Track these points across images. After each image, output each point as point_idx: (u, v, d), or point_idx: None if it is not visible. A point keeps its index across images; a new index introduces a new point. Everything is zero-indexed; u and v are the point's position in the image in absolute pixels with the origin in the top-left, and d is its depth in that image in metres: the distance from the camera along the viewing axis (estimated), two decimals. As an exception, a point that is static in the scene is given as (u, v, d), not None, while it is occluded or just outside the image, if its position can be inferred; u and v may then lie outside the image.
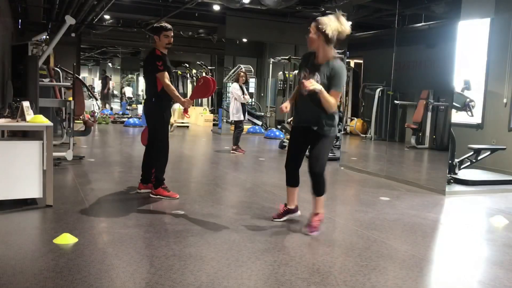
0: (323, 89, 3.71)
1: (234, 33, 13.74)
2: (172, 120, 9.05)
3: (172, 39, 4.94)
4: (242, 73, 9.56)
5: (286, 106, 4.06)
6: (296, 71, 14.39)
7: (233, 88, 9.34)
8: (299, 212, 4.38)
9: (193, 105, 19.67)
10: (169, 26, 4.93)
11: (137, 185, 5.29)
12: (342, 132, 8.73)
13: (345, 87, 9.28)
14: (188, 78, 22.93)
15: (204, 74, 16.64)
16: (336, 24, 3.75)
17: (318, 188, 3.97)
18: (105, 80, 22.58)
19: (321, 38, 3.74)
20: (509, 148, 7.09)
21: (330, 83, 3.77)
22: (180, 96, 4.95)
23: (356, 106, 8.94)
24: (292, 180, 4.19)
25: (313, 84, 3.67)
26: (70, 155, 6.77)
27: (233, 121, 9.67)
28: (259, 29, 13.71)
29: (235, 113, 9.22)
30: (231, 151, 9.14)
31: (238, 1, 9.82)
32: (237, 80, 9.41)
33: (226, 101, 15.25)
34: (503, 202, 5.65)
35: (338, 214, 4.80)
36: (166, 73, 4.81)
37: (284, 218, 4.29)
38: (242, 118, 9.28)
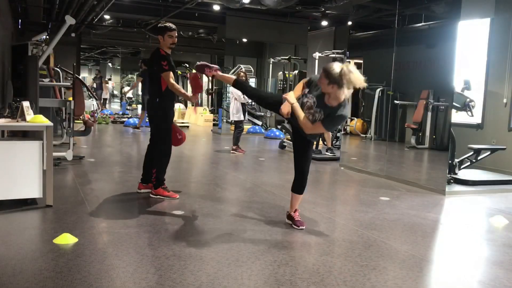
0: (296, 106, 3.82)
1: (234, 33, 13.74)
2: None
3: (176, 39, 4.94)
4: (242, 73, 9.57)
5: (291, 98, 3.98)
6: (296, 71, 14.43)
7: (233, 88, 9.34)
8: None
9: (193, 105, 19.62)
10: (173, 26, 4.93)
11: (137, 185, 5.29)
12: (342, 132, 8.73)
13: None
14: (188, 78, 22.93)
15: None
16: (350, 75, 3.62)
17: (297, 186, 4.19)
18: (100, 81, 21.57)
19: (335, 88, 3.69)
20: (509, 148, 7.09)
21: (325, 118, 3.79)
22: (186, 93, 4.99)
23: (356, 106, 8.93)
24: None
25: (286, 110, 3.82)
26: (70, 155, 6.77)
27: (233, 121, 9.67)
28: (259, 29, 13.71)
29: (235, 113, 9.23)
30: (231, 151, 9.14)
31: (238, 1, 9.82)
32: None
33: (226, 101, 15.25)
34: (503, 202, 5.65)
35: (338, 214, 4.80)
36: (171, 73, 4.81)
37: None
38: (242, 118, 9.29)
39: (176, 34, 4.94)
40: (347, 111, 3.87)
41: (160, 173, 5.03)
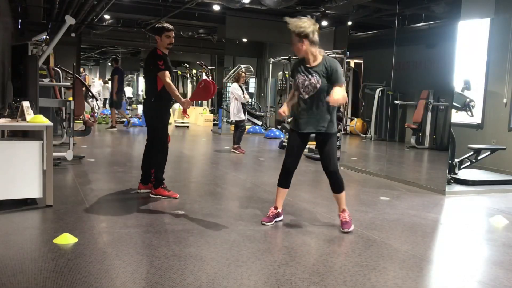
0: (339, 91, 3.84)
1: (234, 33, 13.73)
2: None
3: (173, 39, 4.95)
4: (243, 74, 9.57)
5: (284, 110, 4.07)
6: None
7: (233, 88, 9.35)
8: (282, 216, 4.32)
9: (193, 105, 19.63)
10: (170, 26, 4.94)
11: (137, 185, 5.29)
12: (342, 132, 8.72)
13: (345, 86, 9.26)
14: (188, 78, 22.92)
15: (204, 75, 16.64)
16: (311, 24, 3.91)
17: (338, 185, 4.17)
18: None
19: (306, 43, 3.90)
20: (509, 148, 7.09)
21: (332, 79, 3.93)
22: (180, 96, 4.95)
23: (356, 106, 8.94)
24: (288, 182, 4.22)
25: (338, 98, 3.77)
26: (70, 155, 6.77)
27: (233, 121, 9.67)
28: (259, 29, 13.70)
29: (236, 113, 9.23)
30: (232, 150, 9.15)
31: (238, 1, 9.82)
32: (237, 80, 9.41)
33: (226, 101, 15.24)
34: (503, 202, 5.65)
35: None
36: (167, 72, 4.81)
37: (274, 222, 4.21)
38: (243, 117, 9.31)
39: (173, 35, 4.95)
40: (332, 59, 4.04)
41: (158, 173, 5.03)
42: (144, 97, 5.29)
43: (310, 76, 3.95)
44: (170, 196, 5.00)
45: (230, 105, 9.57)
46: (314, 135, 4.13)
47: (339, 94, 3.79)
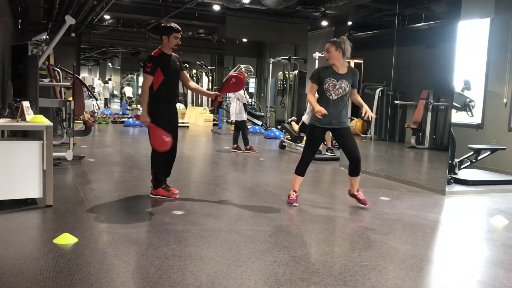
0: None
1: (234, 33, 13.73)
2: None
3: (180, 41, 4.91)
4: (245, 74, 9.57)
5: (321, 109, 4.68)
6: (296, 71, 14.43)
7: None
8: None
9: (192, 105, 19.63)
10: (179, 27, 4.88)
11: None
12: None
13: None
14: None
15: (204, 75, 16.54)
16: (347, 44, 4.83)
17: (358, 170, 4.97)
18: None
19: (340, 53, 4.76)
20: (509, 148, 7.09)
21: (354, 84, 4.89)
22: (145, 103, 4.80)
23: (356, 106, 8.92)
24: (304, 171, 4.99)
25: (368, 112, 4.82)
26: (70, 155, 6.77)
27: (233, 121, 9.67)
28: (259, 29, 13.71)
29: (238, 113, 9.23)
30: (232, 150, 9.19)
31: (238, 1, 9.82)
32: None
33: (226, 101, 15.24)
34: (503, 202, 5.65)
35: (338, 214, 4.80)
36: (150, 77, 4.75)
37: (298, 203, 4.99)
38: (245, 117, 9.34)
39: (180, 36, 4.90)
40: (357, 70, 4.95)
41: (156, 173, 5.00)
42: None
43: (340, 81, 4.77)
44: (169, 196, 4.99)
45: (231, 105, 9.57)
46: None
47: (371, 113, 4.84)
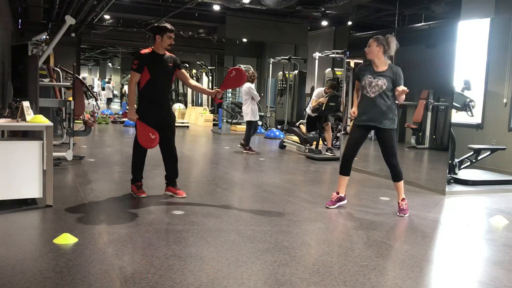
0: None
1: (234, 33, 13.74)
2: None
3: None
4: (255, 74, 9.57)
5: (354, 111, 4.83)
6: (296, 71, 14.43)
7: (251, 88, 9.29)
8: (346, 200, 5.03)
9: (193, 105, 19.62)
10: (172, 27, 4.90)
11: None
12: (342, 132, 8.73)
13: (344, 87, 9.28)
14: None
15: (204, 75, 16.54)
16: (393, 43, 4.79)
17: (399, 175, 4.77)
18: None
19: (381, 50, 4.69)
20: (509, 148, 7.09)
21: (396, 83, 4.68)
22: (130, 100, 4.85)
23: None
24: (348, 170, 4.91)
25: (403, 88, 4.58)
26: (70, 155, 6.77)
27: (245, 121, 9.64)
28: (259, 29, 13.71)
29: (252, 113, 9.25)
30: (244, 152, 9.19)
31: (238, 1, 9.82)
32: (252, 81, 9.35)
33: (226, 100, 15.24)
34: (503, 202, 5.65)
35: (338, 214, 4.80)
36: (137, 74, 4.77)
37: (337, 205, 4.94)
38: (258, 118, 9.41)
39: (174, 36, 4.93)
40: (398, 67, 4.79)
41: (132, 169, 5.06)
42: None
43: (377, 79, 4.66)
44: (135, 195, 5.05)
45: (244, 106, 9.48)
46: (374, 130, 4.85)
47: (403, 87, 4.58)
